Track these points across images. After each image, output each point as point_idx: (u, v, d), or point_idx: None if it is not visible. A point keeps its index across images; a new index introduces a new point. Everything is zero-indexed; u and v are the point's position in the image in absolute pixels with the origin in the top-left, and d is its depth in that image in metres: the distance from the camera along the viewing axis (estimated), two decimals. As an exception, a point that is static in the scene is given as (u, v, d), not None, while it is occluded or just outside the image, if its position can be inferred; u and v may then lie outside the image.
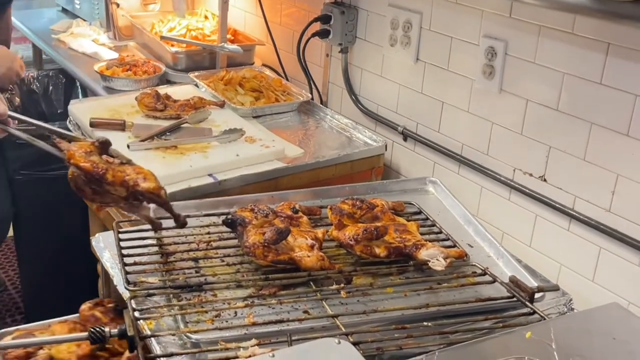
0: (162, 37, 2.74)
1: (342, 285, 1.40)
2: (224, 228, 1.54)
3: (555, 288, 1.45)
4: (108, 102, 2.27)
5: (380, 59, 2.23)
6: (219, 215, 1.63)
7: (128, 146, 1.93)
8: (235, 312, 1.32)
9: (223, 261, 1.47)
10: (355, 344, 1.18)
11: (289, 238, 1.44)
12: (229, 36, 2.74)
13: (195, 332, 1.25)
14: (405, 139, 2.18)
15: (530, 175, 1.78)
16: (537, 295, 1.39)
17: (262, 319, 1.29)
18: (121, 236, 1.51)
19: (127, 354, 1.34)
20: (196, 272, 1.43)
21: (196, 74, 2.51)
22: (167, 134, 2.05)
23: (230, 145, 2.00)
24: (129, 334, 1.21)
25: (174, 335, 1.25)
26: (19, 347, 1.34)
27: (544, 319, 1.32)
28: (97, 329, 1.24)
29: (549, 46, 1.67)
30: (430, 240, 1.55)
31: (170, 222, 1.56)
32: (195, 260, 1.47)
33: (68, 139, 1.41)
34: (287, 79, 2.63)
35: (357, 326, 1.29)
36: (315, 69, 2.52)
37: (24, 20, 3.30)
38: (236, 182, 1.85)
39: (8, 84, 2.34)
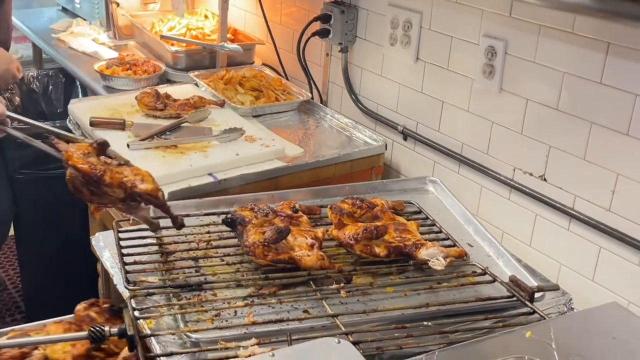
0: (162, 37, 2.74)
1: (342, 284, 1.40)
2: (224, 227, 1.54)
3: (555, 288, 1.45)
4: (108, 102, 2.27)
5: (380, 59, 2.23)
6: (218, 214, 1.63)
7: (128, 145, 1.93)
8: (235, 312, 1.32)
9: (223, 260, 1.47)
10: (355, 343, 1.18)
11: (289, 237, 1.44)
12: (229, 35, 2.74)
13: (195, 331, 1.25)
14: (405, 139, 2.18)
15: (530, 174, 1.78)
16: (537, 295, 1.39)
17: (262, 319, 1.29)
18: (121, 235, 1.51)
19: (122, 354, 1.34)
20: (196, 271, 1.43)
21: (196, 73, 2.51)
22: (167, 133, 2.05)
23: (230, 145, 2.00)
24: (128, 333, 1.21)
25: (173, 334, 1.25)
26: (17, 346, 1.34)
27: (544, 318, 1.32)
28: (97, 329, 1.24)
29: (549, 46, 1.67)
30: (430, 240, 1.55)
31: (169, 222, 1.56)
32: (195, 259, 1.47)
33: (66, 139, 1.41)
34: (287, 79, 2.63)
35: (357, 325, 1.29)
36: (315, 68, 2.52)
37: (24, 20, 3.30)
38: (236, 181, 1.85)
39: (5, 85, 2.34)
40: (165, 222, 1.52)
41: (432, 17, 2.01)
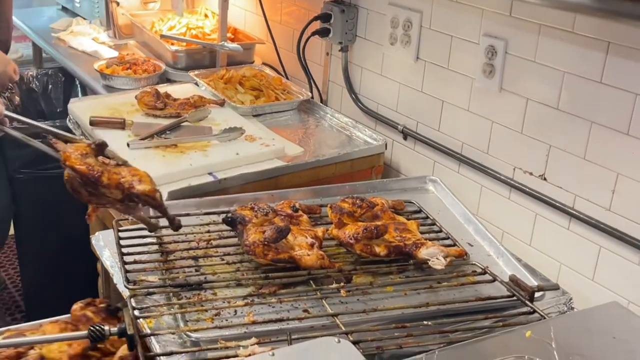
0: (162, 36, 2.73)
1: (342, 284, 1.40)
2: (224, 226, 1.54)
3: (555, 287, 1.45)
4: (108, 101, 2.27)
5: (380, 58, 2.23)
6: (219, 213, 1.63)
7: (128, 145, 1.93)
8: (235, 311, 1.32)
9: (223, 260, 1.47)
10: (355, 342, 1.18)
11: (289, 237, 1.44)
12: (229, 35, 2.74)
13: (195, 330, 1.25)
14: (405, 138, 2.18)
15: (530, 174, 1.78)
16: (537, 295, 1.39)
17: (262, 318, 1.29)
18: (121, 235, 1.51)
19: (119, 353, 1.34)
20: (196, 270, 1.43)
21: (196, 72, 2.51)
22: (167, 132, 2.05)
23: (230, 144, 2.00)
24: (128, 332, 1.21)
25: (173, 333, 1.25)
26: (16, 346, 1.34)
27: (544, 318, 1.32)
28: (97, 328, 1.24)
29: (549, 45, 1.67)
30: (430, 239, 1.55)
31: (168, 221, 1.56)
32: (195, 258, 1.47)
33: (64, 139, 1.41)
34: (287, 78, 2.63)
35: (357, 325, 1.29)
36: (315, 67, 2.51)
37: (24, 19, 3.30)
38: (236, 180, 1.85)
39: (1, 88, 2.34)
40: (165, 221, 1.52)
41: (432, 17, 2.01)
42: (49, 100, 3.09)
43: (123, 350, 1.33)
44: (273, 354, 1.06)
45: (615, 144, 1.56)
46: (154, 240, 1.52)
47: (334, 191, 1.80)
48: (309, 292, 1.38)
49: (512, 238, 1.85)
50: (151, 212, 1.54)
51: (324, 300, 1.36)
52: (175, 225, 1.44)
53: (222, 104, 2.27)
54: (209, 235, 1.56)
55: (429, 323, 1.30)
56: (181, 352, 1.21)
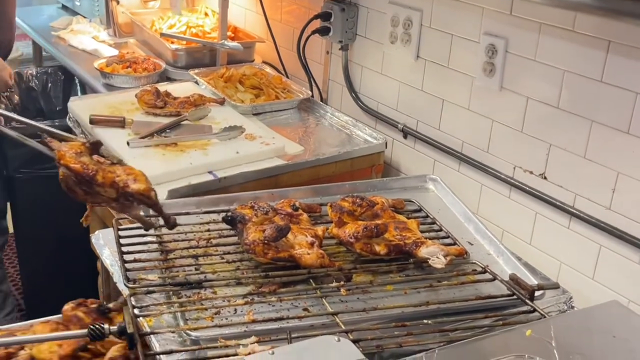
0: (162, 34, 2.73)
1: (342, 282, 1.40)
2: (224, 225, 1.54)
3: (556, 286, 1.45)
4: (108, 99, 2.27)
5: (380, 57, 2.23)
6: (218, 212, 1.63)
7: (128, 143, 1.93)
8: (235, 310, 1.32)
9: (223, 258, 1.47)
10: (355, 341, 1.17)
11: (289, 235, 1.44)
12: (229, 33, 2.74)
13: (195, 329, 1.24)
14: (405, 137, 2.18)
15: (531, 172, 1.78)
16: (537, 293, 1.39)
17: (262, 317, 1.29)
18: (121, 233, 1.51)
19: (109, 354, 1.33)
20: (196, 269, 1.43)
21: (196, 71, 2.51)
22: (167, 131, 2.04)
23: (230, 143, 2.00)
24: (128, 331, 1.21)
25: (173, 332, 1.25)
26: (12, 344, 1.34)
27: (544, 316, 1.32)
28: (97, 326, 1.23)
29: (549, 44, 1.67)
30: (431, 238, 1.55)
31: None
32: (195, 257, 1.47)
33: (59, 138, 1.40)
34: (287, 76, 2.63)
35: (357, 324, 1.29)
36: (315, 66, 2.51)
37: (24, 17, 3.30)
38: (236, 179, 1.85)
39: None
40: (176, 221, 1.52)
41: (433, 15, 2.00)
42: (49, 98, 3.09)
43: (113, 351, 1.33)
44: (273, 353, 1.06)
45: (616, 143, 1.56)
46: (153, 239, 1.52)
47: (334, 190, 1.80)
48: (308, 291, 1.38)
49: (512, 237, 1.85)
50: (151, 211, 1.53)
51: (324, 299, 1.35)
52: (170, 224, 1.44)
53: (222, 102, 2.27)
54: (209, 234, 1.55)
55: (429, 322, 1.30)
56: (181, 351, 1.21)
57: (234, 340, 1.21)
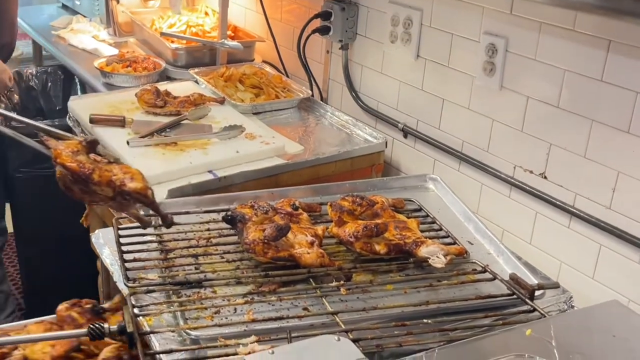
0: (162, 34, 2.73)
1: (341, 282, 1.40)
2: (224, 224, 1.54)
3: (556, 285, 1.45)
4: (108, 99, 2.27)
5: (380, 56, 2.23)
6: (218, 211, 1.63)
7: (128, 142, 1.93)
8: (235, 309, 1.32)
9: (223, 258, 1.47)
10: (354, 341, 1.17)
11: (289, 235, 1.44)
12: (229, 33, 2.74)
13: (195, 328, 1.24)
14: (405, 136, 2.18)
15: (531, 172, 1.78)
16: (537, 293, 1.39)
17: (262, 316, 1.29)
18: (121, 232, 1.51)
19: (102, 355, 1.33)
20: (196, 268, 1.43)
21: (196, 70, 2.51)
22: (167, 130, 2.04)
23: (230, 142, 2.00)
24: (128, 330, 1.21)
25: (173, 331, 1.25)
26: (15, 344, 1.34)
27: (544, 316, 1.32)
28: (97, 325, 1.23)
29: (549, 43, 1.67)
30: (431, 238, 1.55)
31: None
32: (195, 256, 1.47)
33: (56, 136, 1.40)
34: (288, 76, 2.63)
35: (357, 323, 1.29)
36: (315, 65, 2.51)
37: (24, 17, 3.29)
38: (236, 178, 1.85)
39: None
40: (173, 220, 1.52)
41: (433, 15, 2.00)
42: (49, 98, 3.09)
43: (106, 351, 1.33)
44: (273, 352, 1.06)
45: (616, 142, 1.56)
46: (153, 238, 1.51)
47: (334, 189, 1.80)
48: (308, 290, 1.38)
49: (513, 236, 1.85)
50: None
51: (323, 299, 1.35)
52: (167, 223, 1.43)
53: (222, 101, 2.27)
54: (209, 233, 1.55)
55: (429, 321, 1.30)
56: (181, 350, 1.21)
57: (234, 339, 1.21)
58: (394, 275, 1.46)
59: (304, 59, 2.48)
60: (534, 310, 1.34)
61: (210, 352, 1.20)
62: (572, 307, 1.43)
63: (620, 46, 1.51)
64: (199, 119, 2.13)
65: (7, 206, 2.80)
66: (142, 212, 1.43)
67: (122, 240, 1.48)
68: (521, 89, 1.76)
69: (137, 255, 1.45)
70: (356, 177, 2.00)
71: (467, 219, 1.72)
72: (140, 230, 1.50)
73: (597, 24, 1.54)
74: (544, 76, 1.69)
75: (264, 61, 2.74)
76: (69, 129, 2.10)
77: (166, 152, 1.92)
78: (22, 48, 3.73)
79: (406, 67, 2.13)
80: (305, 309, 1.33)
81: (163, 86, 2.31)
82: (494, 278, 1.45)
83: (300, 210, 1.59)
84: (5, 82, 2.30)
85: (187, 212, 1.63)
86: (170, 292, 1.35)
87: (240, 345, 1.19)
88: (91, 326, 1.24)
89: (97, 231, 1.58)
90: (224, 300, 1.33)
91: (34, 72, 3.06)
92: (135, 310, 1.27)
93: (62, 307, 1.45)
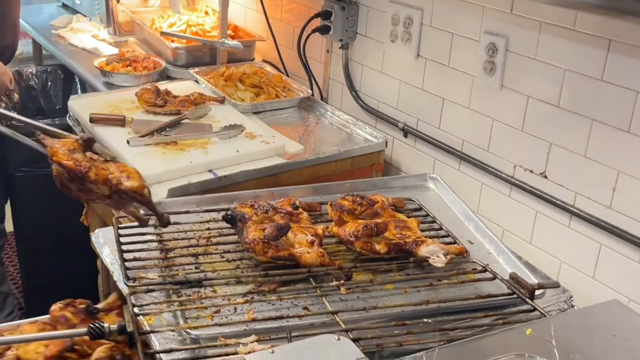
0: (162, 33, 2.73)
1: (342, 281, 1.40)
2: (224, 224, 1.54)
3: (556, 285, 1.44)
4: (108, 98, 2.27)
5: (380, 55, 2.23)
6: (218, 211, 1.63)
7: (128, 142, 1.93)
8: (235, 308, 1.32)
9: (223, 257, 1.47)
10: (355, 340, 1.17)
11: (289, 234, 1.44)
12: (229, 32, 2.74)
13: (195, 327, 1.24)
14: (405, 136, 2.18)
15: (531, 171, 1.78)
16: (537, 292, 1.39)
17: (262, 315, 1.29)
18: (121, 232, 1.50)
19: (95, 355, 1.33)
20: (196, 268, 1.43)
21: (196, 69, 2.51)
22: (167, 129, 2.04)
23: (230, 141, 1.99)
24: (128, 329, 1.21)
25: (173, 331, 1.25)
26: (15, 343, 1.34)
27: (544, 315, 1.32)
28: (97, 325, 1.23)
29: (550, 42, 1.67)
30: (431, 237, 1.55)
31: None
32: (195, 256, 1.47)
33: (52, 134, 1.40)
34: (288, 75, 2.63)
35: (357, 322, 1.29)
36: (315, 65, 2.51)
37: (24, 16, 3.27)
38: (236, 178, 1.85)
39: None
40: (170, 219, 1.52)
41: (433, 14, 2.00)
42: (49, 97, 3.09)
43: (99, 352, 1.32)
44: (273, 352, 1.06)
45: (616, 142, 1.55)
46: (154, 237, 1.51)
47: (334, 189, 1.80)
48: (308, 290, 1.38)
49: (513, 236, 1.84)
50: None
51: (323, 298, 1.35)
52: (163, 222, 1.43)
53: (222, 101, 2.27)
54: (209, 233, 1.55)
55: (429, 321, 1.30)
56: (181, 350, 1.21)
57: (234, 339, 1.21)
58: (394, 274, 1.46)
59: (304, 59, 2.47)
60: (534, 309, 1.34)
61: (210, 352, 1.20)
62: (573, 306, 1.43)
63: (621, 46, 1.51)
64: (199, 119, 2.13)
65: (8, 206, 2.79)
66: (142, 212, 1.43)
67: (122, 239, 1.48)
68: (521, 89, 1.76)
69: (137, 254, 1.45)
70: (356, 176, 2.00)
71: (467, 218, 1.72)
72: (141, 230, 1.50)
73: (598, 24, 1.54)
74: (545, 76, 1.69)
75: (264, 60, 2.74)
76: (69, 128, 2.10)
77: (166, 152, 1.91)
78: (22, 47, 3.72)
79: (406, 67, 2.13)
80: (305, 308, 1.33)
81: (163, 85, 2.31)
82: (494, 277, 1.45)
83: (300, 210, 1.59)
84: (5, 85, 2.30)
85: (187, 212, 1.63)
86: (170, 291, 1.35)
87: (241, 345, 1.19)
88: (91, 325, 1.24)
89: (97, 230, 1.58)
90: (224, 299, 1.33)
91: (34, 72, 3.06)
92: (135, 310, 1.27)
93: (55, 307, 1.44)
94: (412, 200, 1.76)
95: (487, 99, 1.87)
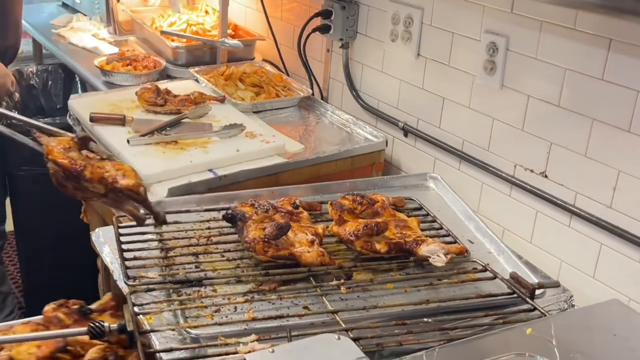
0: (162, 32, 2.73)
1: (342, 281, 1.40)
2: (224, 223, 1.53)
3: (556, 284, 1.44)
4: (108, 97, 2.27)
5: (381, 55, 2.23)
6: (219, 210, 1.63)
7: (128, 141, 1.93)
8: (235, 308, 1.32)
9: (223, 256, 1.47)
10: (355, 339, 1.17)
11: (289, 233, 1.44)
12: (229, 31, 2.74)
13: (195, 327, 1.24)
14: (406, 135, 2.18)
15: (531, 171, 1.78)
16: (537, 292, 1.39)
17: (262, 315, 1.29)
18: (121, 231, 1.50)
19: (88, 356, 1.33)
20: (196, 267, 1.43)
21: (196, 69, 2.51)
22: (168, 129, 2.04)
23: (230, 141, 1.99)
24: (128, 329, 1.21)
25: (173, 330, 1.25)
26: (17, 342, 1.33)
27: (545, 315, 1.32)
28: (97, 324, 1.23)
29: (550, 42, 1.67)
30: (431, 236, 1.55)
31: (169, 218, 1.55)
32: (195, 255, 1.47)
33: (48, 133, 1.39)
34: (288, 74, 2.62)
35: (357, 322, 1.29)
36: (315, 64, 2.51)
37: (24, 15, 3.26)
38: (236, 177, 1.85)
39: None
40: (167, 217, 1.52)
41: (434, 13, 2.00)
42: (49, 96, 3.09)
43: (92, 352, 1.32)
44: (273, 351, 1.06)
45: (617, 141, 1.55)
46: (154, 236, 1.51)
47: (335, 188, 1.80)
48: (309, 289, 1.38)
49: (513, 235, 1.84)
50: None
51: (324, 297, 1.35)
52: (159, 220, 1.43)
53: (222, 100, 2.27)
54: (209, 232, 1.55)
55: (429, 320, 1.30)
56: (181, 349, 1.21)
57: (234, 338, 1.21)
58: (395, 274, 1.46)
59: (304, 58, 2.47)
60: (535, 309, 1.34)
61: (210, 351, 1.20)
62: (573, 306, 1.43)
63: (621, 45, 1.51)
64: (199, 118, 2.13)
65: (8, 206, 2.79)
66: (142, 211, 1.42)
67: (122, 238, 1.48)
68: (522, 88, 1.76)
69: (137, 253, 1.45)
70: (356, 175, 2.00)
71: (467, 217, 1.72)
72: (141, 229, 1.50)
73: (598, 23, 1.54)
74: (545, 75, 1.69)
75: (264, 60, 2.73)
76: (69, 128, 2.10)
77: (166, 151, 1.91)
78: (22, 46, 3.69)
79: (407, 66, 2.13)
80: (305, 307, 1.33)
81: (163, 85, 2.31)
82: (495, 277, 1.45)
83: (300, 209, 1.59)
84: (7, 87, 2.30)
85: (188, 211, 1.63)
86: (171, 290, 1.35)
87: (241, 344, 1.19)
88: (91, 325, 1.24)
89: (97, 229, 1.58)
90: (224, 298, 1.33)
91: (35, 71, 3.06)
92: (136, 309, 1.27)
93: (48, 307, 1.43)
94: (413, 199, 1.75)
95: (487, 99, 1.87)
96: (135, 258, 1.43)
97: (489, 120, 1.87)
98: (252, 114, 2.25)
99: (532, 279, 1.45)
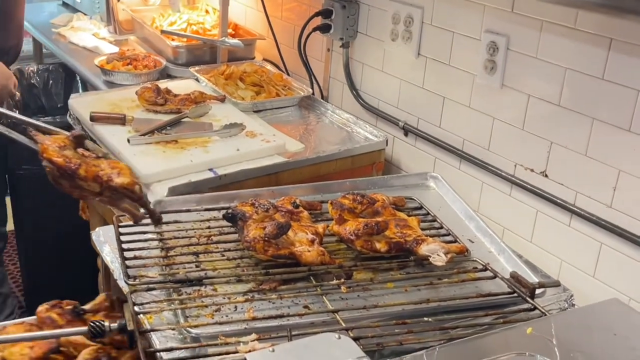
0: (162, 32, 2.73)
1: (342, 280, 1.40)
2: (225, 222, 1.54)
3: (556, 284, 1.44)
4: (108, 96, 2.27)
5: (381, 54, 2.23)
6: (219, 209, 1.63)
7: (128, 140, 1.93)
8: (236, 307, 1.32)
9: (223, 255, 1.47)
10: (355, 339, 1.17)
11: (290, 233, 1.44)
12: (229, 30, 2.74)
13: (195, 326, 1.24)
14: (406, 134, 2.18)
15: (532, 170, 1.78)
16: (538, 291, 1.39)
17: (262, 314, 1.29)
18: (121, 230, 1.50)
19: (80, 357, 1.32)
20: (196, 266, 1.43)
21: (197, 68, 2.51)
22: (168, 128, 2.04)
23: (230, 140, 1.99)
24: (128, 328, 1.21)
25: (173, 329, 1.25)
26: (18, 341, 1.33)
27: (545, 314, 1.32)
28: (97, 324, 1.23)
29: (551, 41, 1.67)
30: (431, 236, 1.55)
31: (169, 217, 1.56)
32: (196, 254, 1.47)
33: (44, 131, 1.39)
34: (288, 74, 2.62)
35: (358, 321, 1.29)
36: (316, 63, 2.51)
37: (24, 14, 3.29)
38: (237, 176, 1.85)
39: (0, 102, 2.35)
40: (166, 217, 1.52)
41: (434, 12, 2.00)
42: (50, 95, 3.09)
43: (85, 354, 1.32)
44: (273, 350, 1.06)
45: (617, 141, 1.55)
46: (154, 236, 1.51)
47: (335, 187, 1.80)
48: (309, 288, 1.38)
49: (513, 235, 1.84)
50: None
51: (324, 297, 1.35)
52: (155, 219, 1.43)
53: (222, 100, 2.27)
54: (210, 231, 1.55)
55: (430, 319, 1.30)
56: (181, 348, 1.21)
57: (235, 337, 1.21)
58: (395, 273, 1.46)
59: (304, 57, 2.47)
60: (535, 308, 1.34)
61: (210, 350, 1.20)
62: (573, 305, 1.43)
63: (622, 44, 1.51)
64: (200, 117, 2.13)
65: (8, 205, 2.79)
66: (142, 210, 1.42)
67: (122, 238, 1.48)
68: (522, 87, 1.76)
69: (137, 253, 1.45)
70: (357, 175, 2.00)
71: (467, 217, 1.72)
72: (141, 228, 1.50)
73: (599, 22, 1.54)
74: (545, 74, 1.69)
75: (264, 59, 2.73)
76: (69, 127, 2.10)
77: (167, 150, 1.91)
78: (23, 45, 3.72)
79: (407, 65, 2.13)
80: (305, 307, 1.33)
81: (163, 84, 2.31)
82: (495, 276, 1.45)
83: (300, 208, 1.59)
84: (10, 89, 2.30)
85: (188, 210, 1.63)
86: (171, 289, 1.35)
87: (241, 343, 1.19)
88: (91, 324, 1.24)
89: (97, 229, 1.58)
90: (224, 298, 1.33)
91: (36, 70, 3.06)
92: (136, 308, 1.27)
93: (42, 308, 1.43)
94: (413, 199, 1.76)
95: (487, 98, 1.87)
96: (135, 257, 1.43)
97: (489, 120, 1.87)
98: (252, 113, 2.25)
99: (533, 279, 1.45)
